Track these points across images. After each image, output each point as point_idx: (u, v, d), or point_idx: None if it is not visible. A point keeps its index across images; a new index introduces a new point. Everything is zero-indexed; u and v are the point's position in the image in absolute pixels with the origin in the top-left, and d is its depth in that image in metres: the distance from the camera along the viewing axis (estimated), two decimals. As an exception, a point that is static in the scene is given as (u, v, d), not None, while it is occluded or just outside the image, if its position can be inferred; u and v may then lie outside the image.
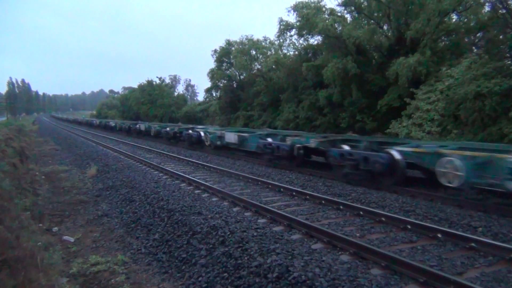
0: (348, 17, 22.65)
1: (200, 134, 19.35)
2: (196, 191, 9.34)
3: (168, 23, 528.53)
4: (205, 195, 8.95)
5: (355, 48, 19.73)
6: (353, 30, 19.09)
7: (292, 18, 28.20)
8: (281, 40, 29.12)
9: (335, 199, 7.84)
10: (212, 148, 17.77)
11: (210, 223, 6.51)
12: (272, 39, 33.55)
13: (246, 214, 7.21)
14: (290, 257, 4.90)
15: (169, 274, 5.42)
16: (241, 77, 35.45)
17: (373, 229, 6.18)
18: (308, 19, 22.27)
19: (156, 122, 40.52)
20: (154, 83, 54.43)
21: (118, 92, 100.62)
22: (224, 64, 36.72)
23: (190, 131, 20.74)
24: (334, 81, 20.04)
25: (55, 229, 7.68)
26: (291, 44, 29.19)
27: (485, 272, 4.51)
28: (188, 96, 77.28)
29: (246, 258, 5.08)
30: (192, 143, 20.00)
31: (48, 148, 23.56)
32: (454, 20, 19.04)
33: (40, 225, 7.58)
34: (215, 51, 36.81)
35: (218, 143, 17.10)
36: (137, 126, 31.93)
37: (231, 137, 16.13)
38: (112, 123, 41.02)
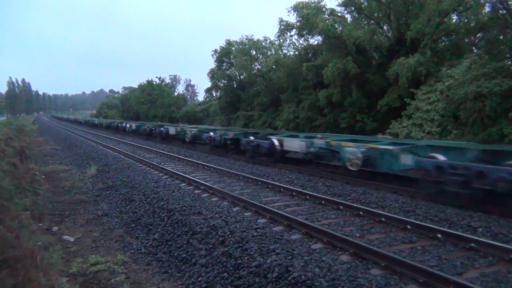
0: (348, 17, 22.62)
1: None
2: (196, 191, 9.34)
3: (168, 23, 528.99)
4: (205, 195, 8.95)
5: (355, 48, 19.69)
6: (353, 30, 19.04)
7: (292, 18, 28.05)
8: (281, 40, 29.03)
9: (335, 199, 7.84)
10: None
11: (210, 223, 6.51)
12: (272, 39, 33.50)
13: (246, 214, 7.21)
14: (290, 257, 4.90)
15: (169, 274, 5.42)
16: (241, 77, 35.38)
17: (373, 229, 6.18)
18: (308, 19, 22.22)
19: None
20: (154, 83, 54.33)
21: (118, 92, 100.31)
22: (224, 64, 36.64)
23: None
24: (334, 81, 19.99)
25: (55, 228, 7.68)
26: (291, 44, 29.12)
27: (485, 273, 4.51)
28: (188, 96, 77.19)
29: (246, 258, 5.08)
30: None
31: (48, 148, 23.56)
32: (454, 20, 19.02)
33: (40, 224, 7.59)
34: (215, 51, 36.74)
35: None
36: (260, 142, 13.86)
37: None
38: (172, 130, 23.67)
